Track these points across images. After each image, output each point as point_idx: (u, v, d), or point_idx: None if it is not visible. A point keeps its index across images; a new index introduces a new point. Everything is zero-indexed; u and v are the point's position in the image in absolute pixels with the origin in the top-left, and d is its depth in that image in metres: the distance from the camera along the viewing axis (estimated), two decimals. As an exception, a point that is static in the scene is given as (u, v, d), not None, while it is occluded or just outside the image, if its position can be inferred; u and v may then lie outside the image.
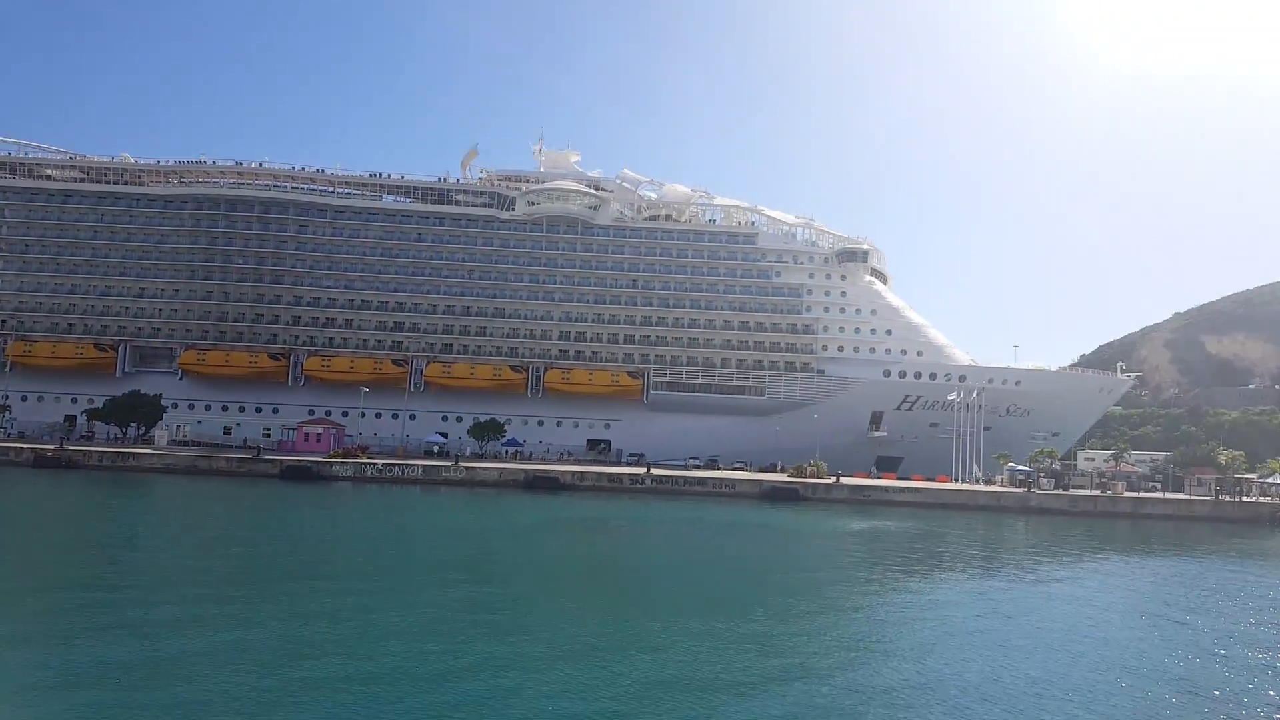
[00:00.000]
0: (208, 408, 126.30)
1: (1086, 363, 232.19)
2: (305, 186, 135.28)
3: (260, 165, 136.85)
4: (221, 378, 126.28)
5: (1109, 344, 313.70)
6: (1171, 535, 73.45)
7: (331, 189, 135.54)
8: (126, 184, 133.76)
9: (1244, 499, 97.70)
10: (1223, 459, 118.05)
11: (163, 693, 19.59)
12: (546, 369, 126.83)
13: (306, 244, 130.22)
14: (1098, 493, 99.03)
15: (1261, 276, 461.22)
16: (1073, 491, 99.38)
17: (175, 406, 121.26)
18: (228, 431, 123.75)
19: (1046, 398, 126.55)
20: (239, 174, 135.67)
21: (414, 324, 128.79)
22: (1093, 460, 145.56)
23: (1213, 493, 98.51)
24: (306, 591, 32.02)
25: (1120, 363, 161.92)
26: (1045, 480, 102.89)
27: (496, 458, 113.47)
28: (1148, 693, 22.93)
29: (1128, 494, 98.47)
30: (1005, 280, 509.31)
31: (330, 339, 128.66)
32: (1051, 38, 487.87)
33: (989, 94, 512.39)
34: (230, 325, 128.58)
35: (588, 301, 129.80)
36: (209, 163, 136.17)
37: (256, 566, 38.09)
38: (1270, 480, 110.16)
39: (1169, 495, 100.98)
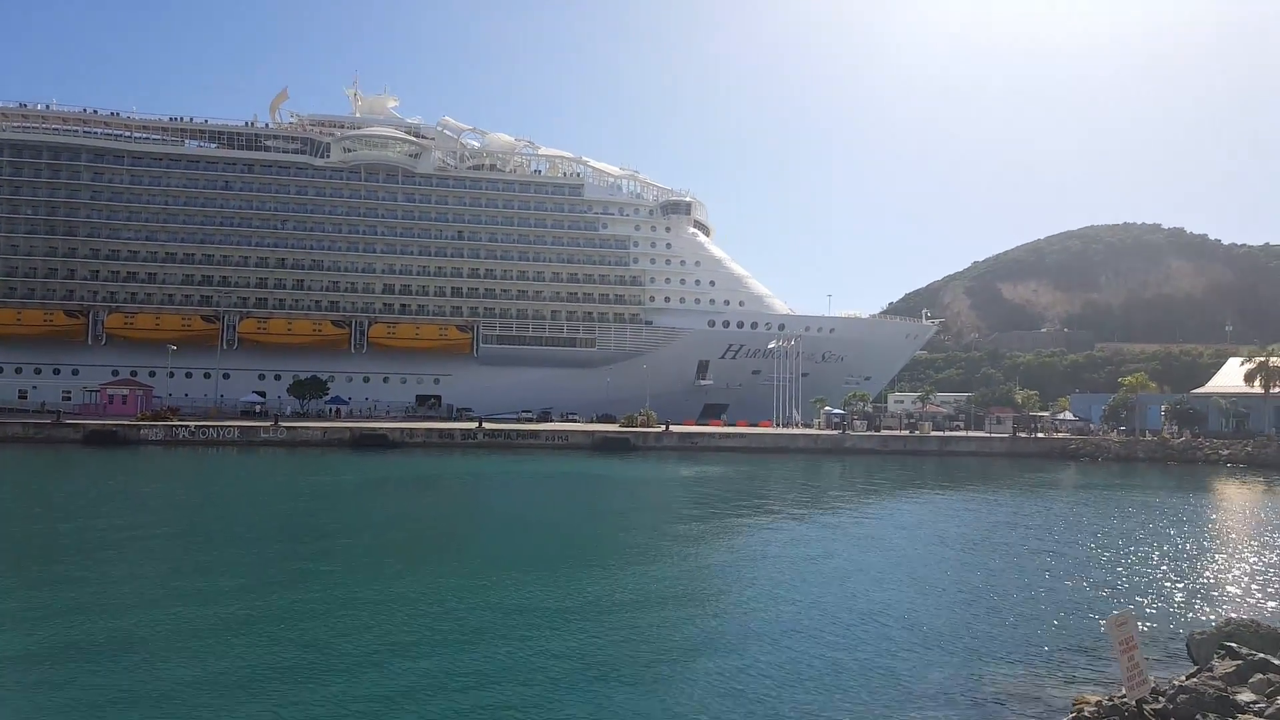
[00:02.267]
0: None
1: (894, 310, 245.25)
2: (99, 131, 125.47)
3: (48, 107, 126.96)
4: (13, 337, 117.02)
5: (915, 292, 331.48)
6: (975, 471, 78.27)
7: (129, 133, 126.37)
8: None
9: (1039, 435, 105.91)
10: (1019, 398, 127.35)
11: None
12: (371, 323, 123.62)
13: (103, 192, 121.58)
14: (907, 433, 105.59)
15: (1050, 227, 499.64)
16: (884, 432, 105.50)
17: None
18: (23, 395, 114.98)
19: (859, 344, 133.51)
20: (24, 116, 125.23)
21: (224, 277, 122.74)
22: (902, 402, 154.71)
23: (1011, 430, 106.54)
24: (100, 568, 30.11)
25: (925, 310, 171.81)
26: (859, 422, 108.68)
27: (320, 416, 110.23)
28: (937, 624, 24.71)
29: (934, 434, 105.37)
30: (818, 232, 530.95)
31: (133, 294, 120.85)
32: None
33: (805, 49, 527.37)
34: (20, 280, 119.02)
35: (412, 253, 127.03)
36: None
37: (44, 541, 35.79)
38: (1061, 417, 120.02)
39: (972, 434, 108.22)
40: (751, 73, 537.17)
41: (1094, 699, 15.87)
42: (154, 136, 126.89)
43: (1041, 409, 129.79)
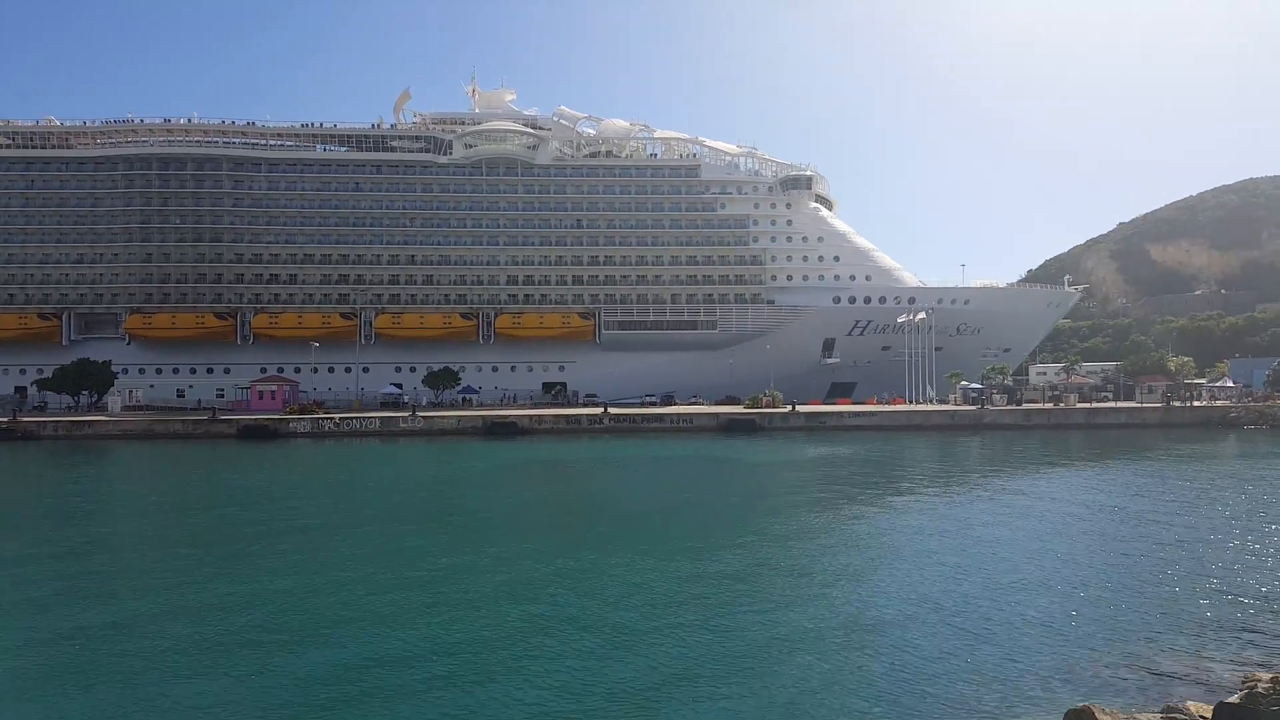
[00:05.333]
0: (158, 371, 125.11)
1: (1033, 278, 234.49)
2: (237, 141, 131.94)
3: (190, 121, 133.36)
4: (170, 340, 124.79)
5: (1055, 258, 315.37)
6: (1125, 443, 74.35)
7: (264, 142, 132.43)
8: (54, 147, 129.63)
9: (1195, 404, 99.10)
10: (1172, 365, 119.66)
11: (135, 664, 19.53)
12: (497, 314, 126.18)
13: (243, 199, 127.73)
14: (1050, 406, 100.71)
15: (1204, 182, 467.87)
16: (1026, 406, 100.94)
17: (125, 372, 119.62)
18: (181, 394, 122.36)
19: (996, 315, 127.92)
20: (169, 131, 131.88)
21: (359, 275, 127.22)
22: (1044, 374, 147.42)
23: (1164, 399, 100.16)
24: (284, 549, 32.10)
25: (1067, 276, 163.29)
26: (998, 397, 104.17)
27: (453, 406, 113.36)
28: (1101, 602, 23.33)
29: (1080, 405, 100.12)
30: (949, 199, 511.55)
31: (276, 295, 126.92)
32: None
33: (925, 5, 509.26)
34: (174, 287, 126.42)
35: (533, 244, 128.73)
36: (137, 121, 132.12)
37: (226, 527, 38.11)
38: (1220, 384, 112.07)
39: (1121, 404, 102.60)
40: (870, 38, 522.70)
41: (1269, 676, 14.42)
42: (288, 143, 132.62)
43: (1198, 376, 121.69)
